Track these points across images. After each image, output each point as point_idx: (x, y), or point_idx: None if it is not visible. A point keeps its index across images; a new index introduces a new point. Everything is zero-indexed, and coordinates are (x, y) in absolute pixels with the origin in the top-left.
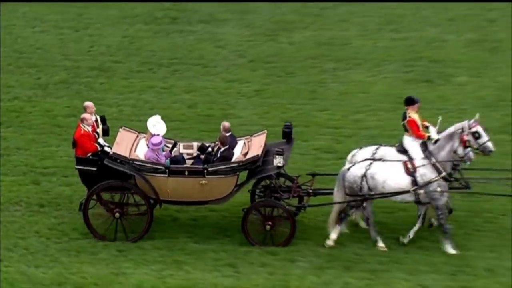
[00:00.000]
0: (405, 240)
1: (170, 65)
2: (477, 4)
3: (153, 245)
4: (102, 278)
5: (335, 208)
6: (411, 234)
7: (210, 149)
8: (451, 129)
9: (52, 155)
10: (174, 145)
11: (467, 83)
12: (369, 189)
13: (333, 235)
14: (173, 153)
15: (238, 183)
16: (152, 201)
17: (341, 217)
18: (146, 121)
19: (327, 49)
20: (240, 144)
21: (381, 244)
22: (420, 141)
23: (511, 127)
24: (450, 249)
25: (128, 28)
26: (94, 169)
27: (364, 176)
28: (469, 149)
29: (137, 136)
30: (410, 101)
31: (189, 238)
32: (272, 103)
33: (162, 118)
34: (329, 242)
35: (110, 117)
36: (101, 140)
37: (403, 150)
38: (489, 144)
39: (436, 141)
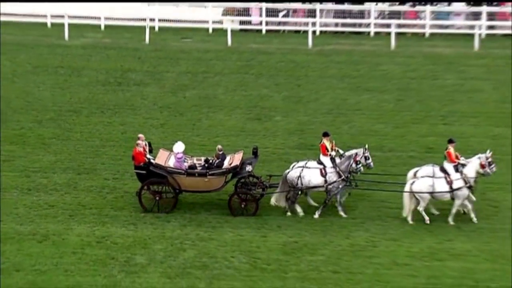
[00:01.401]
0: (317, 213)
1: (114, 109)
2: (292, 75)
3: (90, 212)
4: (58, 231)
5: (280, 194)
6: (320, 210)
7: (211, 161)
8: (351, 152)
9: (39, 160)
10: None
11: (281, 120)
12: (302, 184)
13: (274, 200)
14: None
15: (226, 180)
16: (177, 191)
17: (287, 200)
18: (97, 141)
19: (205, 100)
20: (228, 158)
21: (302, 212)
22: (330, 157)
23: (306, 147)
24: (343, 214)
25: (93, 88)
26: (144, 172)
27: (299, 176)
28: (360, 164)
29: (170, 153)
30: (325, 134)
31: (111, 208)
32: (170, 132)
33: (110, 141)
34: (288, 213)
35: (74, 138)
36: (148, 156)
37: (320, 163)
38: (372, 163)
39: (341, 155)
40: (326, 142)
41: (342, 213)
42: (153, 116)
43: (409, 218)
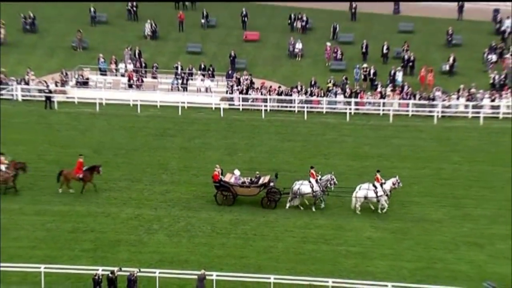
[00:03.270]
0: (313, 208)
1: (156, 148)
2: (251, 132)
3: (134, 202)
4: (115, 212)
5: (290, 198)
6: (322, 205)
7: (252, 179)
8: (326, 177)
9: (113, 174)
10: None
11: (241, 156)
12: (299, 191)
13: (288, 205)
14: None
15: (260, 190)
16: (234, 195)
17: (291, 200)
18: (144, 164)
19: (204, 144)
20: (262, 178)
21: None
22: (315, 179)
23: (251, 169)
24: (323, 205)
25: (147, 138)
26: (218, 184)
27: (298, 188)
28: (333, 184)
29: (232, 175)
30: (312, 167)
31: (145, 200)
32: (184, 161)
33: (151, 164)
34: (287, 206)
35: (134, 163)
36: (221, 176)
37: (309, 181)
38: (335, 182)
39: (320, 179)
40: (313, 171)
41: (322, 205)
42: (175, 153)
43: (358, 211)
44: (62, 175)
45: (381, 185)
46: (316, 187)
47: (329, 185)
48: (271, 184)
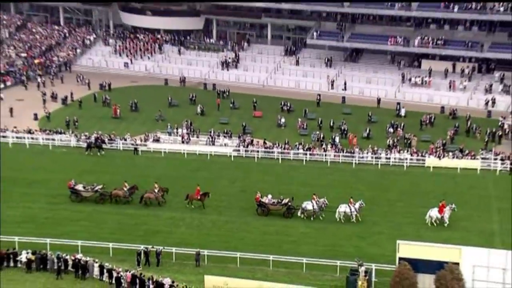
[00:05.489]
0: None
1: (188, 176)
2: (247, 169)
3: (175, 208)
4: (158, 214)
5: (300, 210)
6: (321, 217)
7: (279, 200)
8: (322, 199)
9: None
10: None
11: (238, 183)
12: (305, 208)
13: (299, 214)
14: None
15: (284, 207)
16: (267, 210)
17: (302, 212)
18: (177, 186)
19: (217, 177)
20: (284, 199)
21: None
22: (315, 200)
23: (243, 191)
24: (321, 217)
25: (183, 169)
26: (258, 204)
27: (305, 205)
28: (325, 205)
29: (267, 197)
30: (314, 194)
31: (179, 209)
32: (202, 187)
33: (184, 186)
34: (305, 218)
35: (174, 189)
36: (260, 198)
37: (311, 201)
38: (327, 203)
39: (318, 200)
40: (314, 196)
41: (320, 217)
42: (201, 181)
43: (341, 220)
44: (188, 197)
45: (353, 204)
46: (315, 206)
47: (322, 205)
48: (289, 203)
